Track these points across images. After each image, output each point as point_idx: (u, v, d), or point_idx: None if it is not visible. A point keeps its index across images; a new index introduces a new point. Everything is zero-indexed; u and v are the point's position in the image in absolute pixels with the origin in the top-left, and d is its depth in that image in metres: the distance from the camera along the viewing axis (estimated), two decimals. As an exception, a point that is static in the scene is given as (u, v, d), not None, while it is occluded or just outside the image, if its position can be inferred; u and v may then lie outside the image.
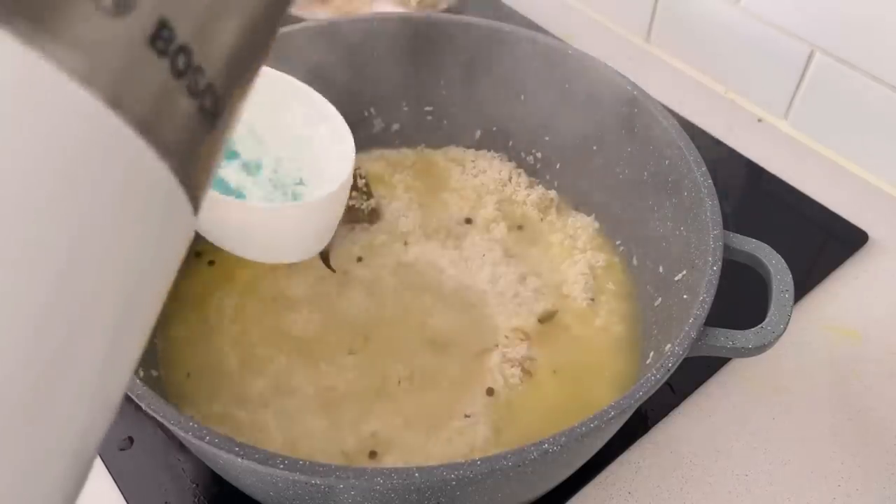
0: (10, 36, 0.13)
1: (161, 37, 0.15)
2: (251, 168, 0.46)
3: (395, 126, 0.67)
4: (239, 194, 0.45)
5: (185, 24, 0.16)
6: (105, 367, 0.16)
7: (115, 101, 0.15)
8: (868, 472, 0.52)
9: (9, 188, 0.13)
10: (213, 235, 0.43)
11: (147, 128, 0.15)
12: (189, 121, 0.17)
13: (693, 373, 0.56)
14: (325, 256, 0.57)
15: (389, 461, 0.47)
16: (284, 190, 0.46)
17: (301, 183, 0.47)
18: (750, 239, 0.47)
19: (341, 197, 0.43)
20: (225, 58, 0.17)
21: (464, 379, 0.52)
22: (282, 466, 0.35)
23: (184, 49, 0.16)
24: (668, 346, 0.45)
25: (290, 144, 0.47)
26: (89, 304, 0.15)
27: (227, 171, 0.45)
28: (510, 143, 0.66)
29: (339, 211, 0.44)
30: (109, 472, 0.50)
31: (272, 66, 0.45)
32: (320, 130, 0.47)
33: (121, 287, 0.16)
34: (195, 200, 0.18)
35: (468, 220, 0.62)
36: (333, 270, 0.57)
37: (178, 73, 0.16)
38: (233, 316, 0.55)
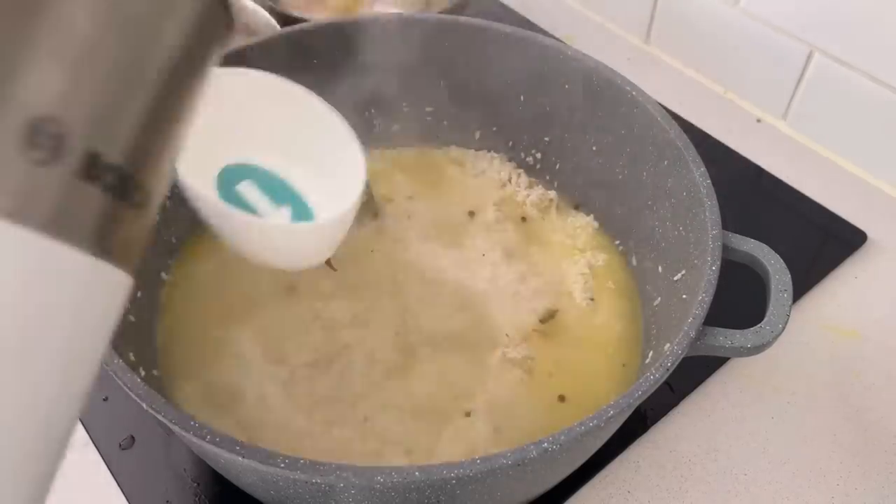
0: None
1: (93, 166, 0.18)
2: (269, 184, 0.47)
3: (395, 126, 0.67)
4: (252, 208, 0.46)
5: (113, 147, 0.18)
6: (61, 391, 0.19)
7: (51, 229, 0.17)
8: (867, 472, 0.52)
9: None
10: (233, 246, 0.44)
11: (64, 232, 0.17)
12: (106, 209, 0.18)
13: (692, 372, 0.56)
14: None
15: (389, 460, 0.48)
16: (298, 202, 0.47)
17: (316, 193, 0.48)
18: (749, 239, 0.47)
19: (355, 208, 0.44)
20: (143, 155, 0.19)
21: (464, 378, 0.52)
22: (282, 465, 0.35)
23: (111, 166, 0.18)
24: (668, 345, 0.45)
25: (302, 153, 0.48)
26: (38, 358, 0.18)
27: (245, 186, 0.46)
28: (510, 143, 0.66)
29: (352, 219, 0.45)
30: (110, 471, 0.50)
31: (272, 70, 0.45)
32: (325, 138, 0.47)
33: (64, 343, 0.18)
34: (126, 265, 0.20)
35: (468, 220, 0.62)
36: (335, 269, 0.57)
37: (93, 179, 0.18)
38: (233, 315, 0.55)
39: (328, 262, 0.57)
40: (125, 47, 0.19)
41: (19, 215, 0.16)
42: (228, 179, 0.45)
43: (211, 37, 0.22)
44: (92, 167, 0.18)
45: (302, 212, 0.47)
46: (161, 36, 0.20)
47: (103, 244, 0.18)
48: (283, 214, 0.46)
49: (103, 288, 0.19)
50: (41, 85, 0.17)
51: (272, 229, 0.44)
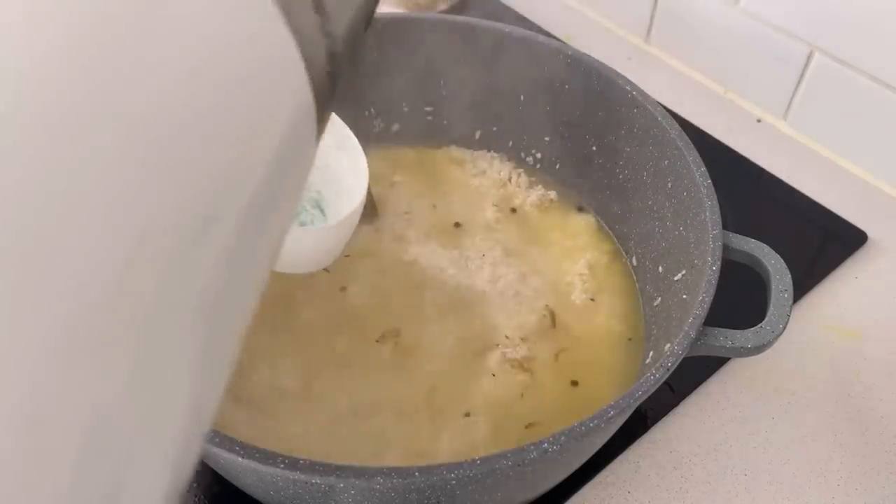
0: None
1: None
2: None
3: (395, 126, 0.67)
4: None
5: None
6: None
7: (287, 9, 0.16)
8: (868, 472, 0.52)
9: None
10: None
11: (304, 52, 0.17)
12: (323, 68, 0.18)
13: (692, 372, 0.56)
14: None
15: (389, 460, 0.48)
16: (308, 205, 0.47)
17: (319, 196, 0.48)
18: (749, 239, 0.47)
19: (359, 211, 0.44)
20: (347, 31, 0.19)
21: (464, 378, 0.52)
22: (282, 466, 0.35)
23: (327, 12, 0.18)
24: (668, 345, 0.45)
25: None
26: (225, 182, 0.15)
27: None
28: (510, 143, 0.66)
29: (356, 221, 0.45)
30: (110, 471, 0.50)
31: None
32: (327, 140, 0.48)
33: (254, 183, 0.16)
34: (318, 139, 0.19)
35: (468, 220, 0.62)
36: (327, 271, 0.57)
37: (326, 35, 0.18)
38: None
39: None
40: None
41: (290, 13, 0.16)
42: None
43: None
44: (326, 25, 0.18)
45: (313, 214, 0.47)
46: None
47: (320, 103, 0.18)
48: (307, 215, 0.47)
49: (299, 119, 0.18)
50: None
51: (303, 234, 0.44)
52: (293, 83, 0.17)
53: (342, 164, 0.47)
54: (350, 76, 0.20)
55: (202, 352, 0.15)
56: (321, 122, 0.19)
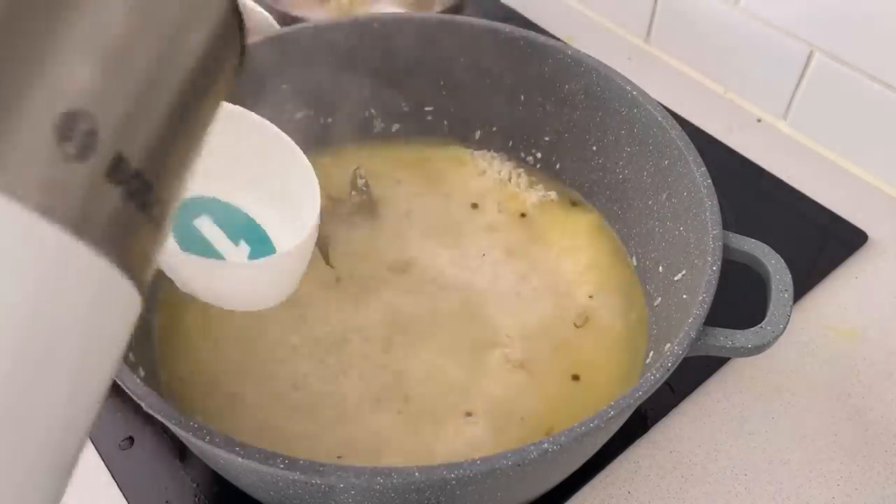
0: None
1: (119, 169, 0.18)
2: (226, 217, 0.45)
3: (395, 126, 0.67)
4: (211, 251, 0.44)
5: (137, 152, 0.18)
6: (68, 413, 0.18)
7: (76, 228, 0.17)
8: (867, 472, 0.52)
9: None
10: (190, 290, 0.42)
11: (87, 232, 0.17)
12: (126, 217, 0.18)
13: (693, 372, 0.56)
14: (325, 255, 0.57)
15: (389, 460, 0.48)
16: (256, 234, 0.45)
17: (251, 224, 0.46)
18: (749, 239, 0.47)
19: (314, 237, 0.42)
20: (162, 166, 0.20)
21: (464, 378, 0.52)
22: (282, 466, 0.35)
23: (134, 172, 0.18)
24: (668, 345, 0.45)
25: (257, 180, 0.46)
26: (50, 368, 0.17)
27: (202, 221, 0.44)
28: (510, 143, 0.66)
29: (311, 248, 0.43)
30: (110, 471, 0.50)
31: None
32: (278, 163, 0.45)
33: (74, 359, 0.18)
34: (140, 284, 0.20)
35: (468, 220, 0.62)
36: (332, 266, 0.57)
37: (118, 182, 0.18)
38: (233, 314, 0.55)
39: (327, 261, 0.57)
40: (154, 52, 0.19)
41: (47, 209, 0.16)
42: (183, 215, 0.43)
43: (226, 56, 0.22)
44: (118, 170, 0.18)
45: (262, 244, 0.45)
46: (186, 45, 0.20)
47: (122, 253, 0.18)
48: (241, 251, 0.45)
49: (118, 300, 0.19)
50: (78, 79, 0.17)
51: (233, 269, 0.42)
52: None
53: (295, 186, 0.45)
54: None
55: None
56: (135, 263, 0.19)
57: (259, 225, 0.46)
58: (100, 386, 0.19)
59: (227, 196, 0.45)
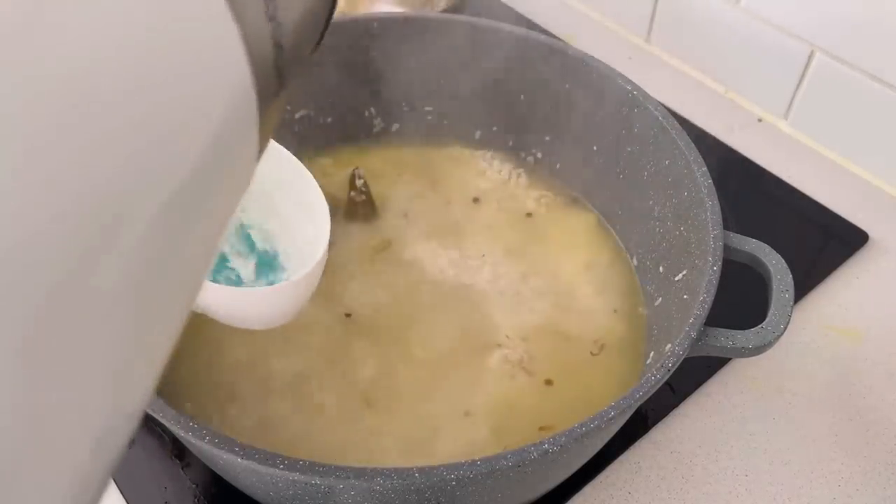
0: None
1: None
2: (237, 236, 0.46)
3: (395, 126, 0.67)
4: (230, 278, 0.45)
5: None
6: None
7: (238, 13, 0.15)
8: (868, 472, 0.52)
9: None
10: (201, 309, 0.43)
11: (245, 34, 0.15)
12: (268, 58, 0.17)
13: (693, 373, 0.56)
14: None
15: (389, 461, 0.47)
16: (265, 262, 0.46)
17: (272, 250, 0.46)
18: (750, 239, 0.47)
19: (321, 266, 0.42)
20: (298, 20, 0.18)
21: (464, 379, 0.52)
22: (282, 466, 0.35)
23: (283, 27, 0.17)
24: (669, 346, 0.45)
25: (269, 202, 0.46)
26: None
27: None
28: (510, 143, 0.66)
29: (320, 274, 0.43)
30: (109, 472, 0.50)
31: None
32: (291, 187, 0.46)
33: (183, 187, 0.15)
34: (261, 147, 0.18)
35: (468, 220, 0.62)
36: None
37: (271, 19, 0.16)
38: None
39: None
40: None
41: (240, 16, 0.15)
42: None
43: None
44: (275, 22, 0.17)
45: (271, 266, 0.46)
46: None
47: (263, 107, 0.16)
48: (249, 268, 0.45)
49: (242, 122, 0.16)
50: None
51: (245, 295, 0.42)
52: (230, 69, 0.15)
53: (300, 218, 0.45)
54: (302, 77, 0.18)
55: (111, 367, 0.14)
56: (264, 128, 0.17)
57: (270, 248, 0.46)
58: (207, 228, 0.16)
59: (240, 217, 0.46)
